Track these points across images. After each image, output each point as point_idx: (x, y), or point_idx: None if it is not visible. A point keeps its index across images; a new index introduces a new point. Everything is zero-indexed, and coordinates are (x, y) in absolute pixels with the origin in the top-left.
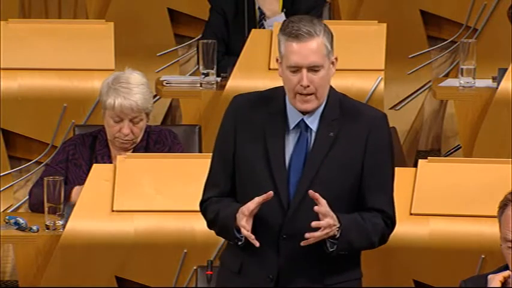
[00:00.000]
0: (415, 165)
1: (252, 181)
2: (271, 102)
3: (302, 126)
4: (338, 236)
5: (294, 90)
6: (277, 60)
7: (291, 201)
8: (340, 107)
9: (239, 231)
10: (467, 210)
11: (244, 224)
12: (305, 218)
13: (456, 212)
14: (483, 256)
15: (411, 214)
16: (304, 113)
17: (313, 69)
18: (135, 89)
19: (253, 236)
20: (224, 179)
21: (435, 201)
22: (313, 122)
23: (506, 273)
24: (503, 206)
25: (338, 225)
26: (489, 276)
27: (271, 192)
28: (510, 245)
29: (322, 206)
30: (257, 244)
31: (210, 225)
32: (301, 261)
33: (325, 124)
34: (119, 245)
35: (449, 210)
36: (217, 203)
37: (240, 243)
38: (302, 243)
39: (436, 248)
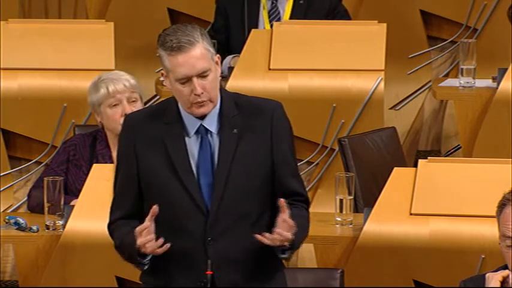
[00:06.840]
0: (415, 165)
1: (162, 191)
2: (164, 113)
3: (202, 131)
4: (289, 246)
5: (188, 101)
6: (162, 74)
7: (209, 204)
8: (236, 104)
9: (144, 256)
10: (467, 210)
11: (141, 242)
12: (227, 218)
13: (456, 212)
14: (483, 256)
15: (411, 214)
16: (201, 117)
17: (202, 75)
18: (122, 76)
19: (158, 247)
20: (128, 200)
21: (435, 201)
22: (211, 125)
23: (505, 272)
24: (501, 205)
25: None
26: (487, 275)
27: (155, 208)
28: (510, 243)
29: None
30: (167, 246)
31: (118, 251)
32: (233, 260)
33: (226, 122)
34: None
35: (449, 210)
36: (121, 228)
37: (145, 267)
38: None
39: (436, 248)
